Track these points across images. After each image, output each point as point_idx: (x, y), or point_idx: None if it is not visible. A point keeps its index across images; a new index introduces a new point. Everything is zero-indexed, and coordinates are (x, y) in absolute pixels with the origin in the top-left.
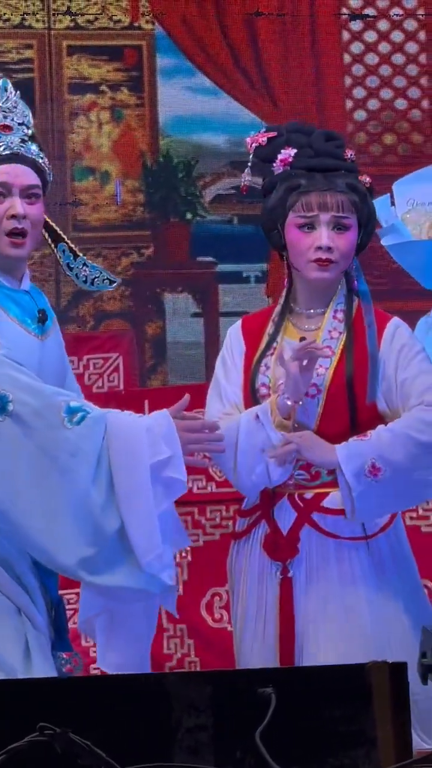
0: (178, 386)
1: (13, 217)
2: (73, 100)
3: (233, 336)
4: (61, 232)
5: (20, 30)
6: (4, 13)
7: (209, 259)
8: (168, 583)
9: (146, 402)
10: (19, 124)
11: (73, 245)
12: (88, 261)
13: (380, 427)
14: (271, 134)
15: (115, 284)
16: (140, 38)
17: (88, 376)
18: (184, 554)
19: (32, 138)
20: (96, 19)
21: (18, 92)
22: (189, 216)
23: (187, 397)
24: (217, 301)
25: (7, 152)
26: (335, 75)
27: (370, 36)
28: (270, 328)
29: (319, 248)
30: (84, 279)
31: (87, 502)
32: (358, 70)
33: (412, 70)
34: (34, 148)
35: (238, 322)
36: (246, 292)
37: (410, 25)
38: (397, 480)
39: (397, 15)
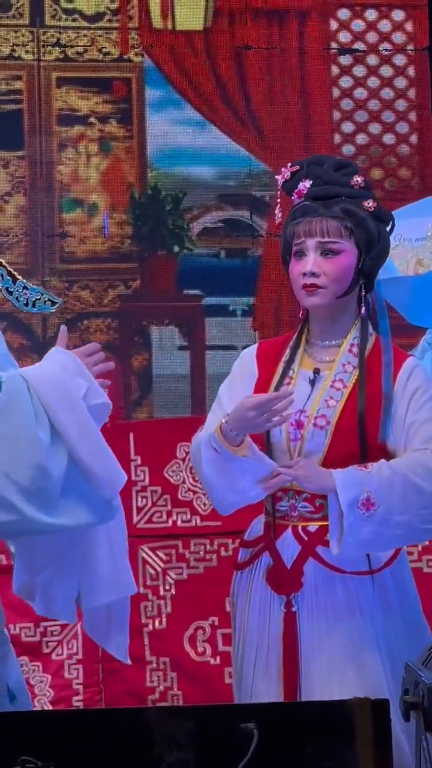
0: (164, 419)
1: None
2: (62, 131)
3: (247, 359)
4: None
5: (9, 61)
6: None
7: (196, 292)
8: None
9: (131, 435)
10: None
11: (11, 268)
12: (28, 284)
13: (382, 461)
14: (294, 168)
15: (57, 305)
16: (129, 70)
17: None
18: (167, 587)
19: None
20: (85, 50)
21: None
22: (176, 249)
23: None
24: (203, 334)
25: None
26: (324, 109)
27: (359, 70)
28: (286, 356)
29: (304, 274)
30: (25, 302)
31: (34, 447)
32: (347, 104)
33: (401, 105)
34: None
35: (254, 346)
36: (233, 325)
37: (399, 60)
38: (387, 518)
39: (386, 50)
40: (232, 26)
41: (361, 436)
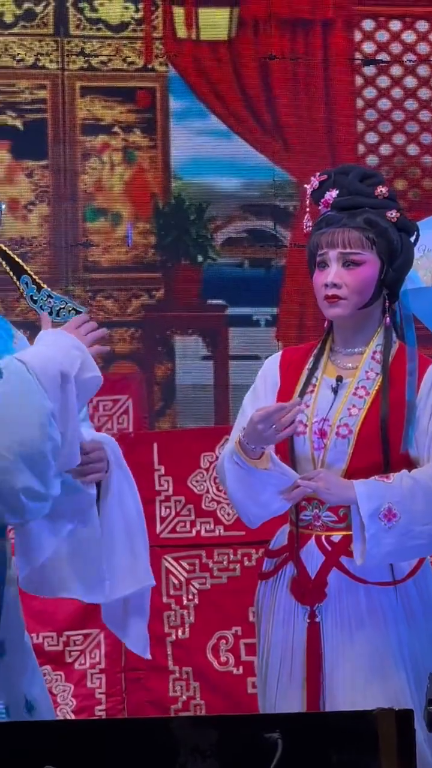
0: (187, 429)
1: None
2: (86, 141)
3: (269, 368)
4: (24, 264)
5: (34, 70)
6: (18, 54)
7: (220, 302)
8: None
9: (155, 445)
10: None
11: (36, 277)
12: (53, 292)
13: (404, 471)
14: (322, 177)
15: (82, 314)
16: (154, 80)
17: (97, 418)
18: (191, 597)
19: None
20: (110, 60)
21: None
22: (200, 259)
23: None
24: (227, 344)
25: None
26: (348, 119)
27: (383, 81)
28: (310, 364)
29: (326, 285)
30: (49, 310)
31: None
32: (370, 115)
33: (425, 115)
34: None
35: (278, 354)
36: (256, 335)
37: (423, 70)
38: (409, 529)
39: (410, 61)
40: (256, 36)
41: (383, 444)
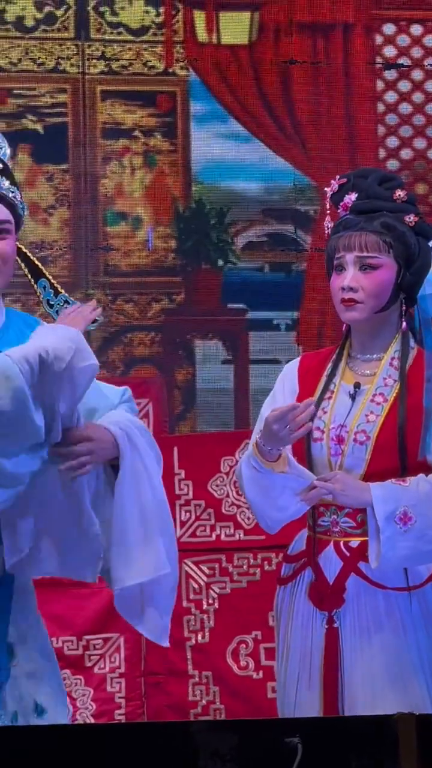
0: (208, 433)
1: None
2: (106, 144)
3: (288, 374)
4: (42, 268)
5: (54, 74)
6: (39, 58)
7: (240, 306)
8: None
9: (175, 449)
10: None
11: (54, 281)
12: (69, 298)
13: (421, 476)
14: (342, 181)
15: (97, 323)
16: (174, 84)
17: None
18: (210, 601)
19: (3, 172)
20: (130, 64)
21: None
22: (220, 263)
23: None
24: (247, 348)
25: None
26: (368, 124)
27: (404, 85)
28: (328, 370)
29: (343, 288)
30: None
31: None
32: (391, 119)
33: None
34: (5, 183)
35: (296, 360)
36: (276, 339)
37: None
38: (424, 533)
39: (431, 65)
40: (277, 40)
41: (401, 451)
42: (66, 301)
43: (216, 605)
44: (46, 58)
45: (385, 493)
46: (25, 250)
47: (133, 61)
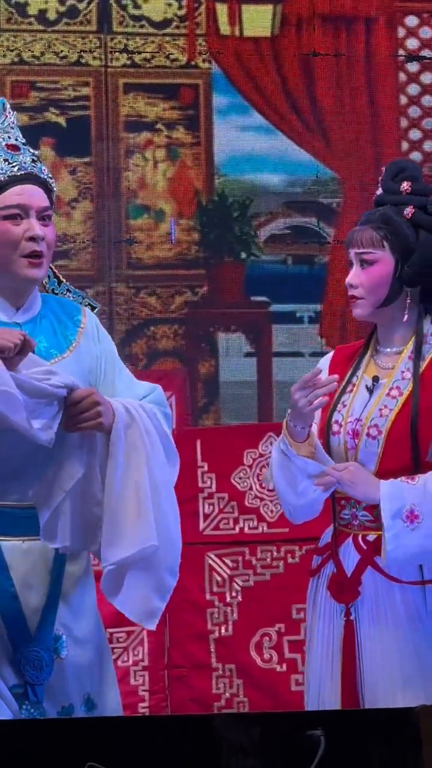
0: (231, 426)
1: (32, 239)
2: (129, 137)
3: (321, 367)
4: None
5: (77, 67)
6: (61, 51)
7: (263, 298)
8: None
9: (198, 441)
10: (23, 143)
11: (57, 270)
12: (72, 287)
13: (429, 474)
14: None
15: (96, 310)
16: (197, 77)
17: None
18: (234, 594)
19: (38, 158)
20: (153, 57)
21: (15, 113)
22: (243, 255)
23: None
24: (270, 340)
25: (22, 172)
26: (391, 116)
27: (427, 77)
28: (355, 363)
29: (347, 285)
30: None
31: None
32: (414, 111)
33: None
34: (44, 168)
35: (331, 353)
36: (299, 332)
37: None
38: (430, 532)
39: None
40: (299, 33)
41: (413, 446)
42: (68, 290)
43: (239, 598)
44: (69, 52)
45: (393, 490)
46: None
47: (155, 53)
